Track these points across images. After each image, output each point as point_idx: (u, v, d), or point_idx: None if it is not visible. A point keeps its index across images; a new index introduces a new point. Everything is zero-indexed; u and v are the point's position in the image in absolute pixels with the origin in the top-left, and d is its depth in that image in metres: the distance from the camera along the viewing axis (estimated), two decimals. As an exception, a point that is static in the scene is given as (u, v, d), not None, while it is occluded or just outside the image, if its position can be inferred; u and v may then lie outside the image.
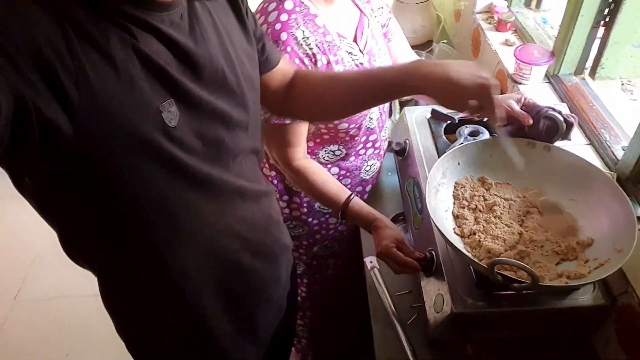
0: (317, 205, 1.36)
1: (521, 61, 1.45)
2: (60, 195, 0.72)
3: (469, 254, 0.95)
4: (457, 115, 1.33)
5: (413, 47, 1.54)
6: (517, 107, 1.10)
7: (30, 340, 2.28)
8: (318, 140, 1.26)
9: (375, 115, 1.28)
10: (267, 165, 1.34)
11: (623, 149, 1.19)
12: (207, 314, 0.93)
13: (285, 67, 1.02)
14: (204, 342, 0.96)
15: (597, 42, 1.42)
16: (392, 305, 1.11)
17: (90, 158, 0.65)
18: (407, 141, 1.39)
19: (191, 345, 0.96)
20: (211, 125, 0.77)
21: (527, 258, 0.97)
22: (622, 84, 1.45)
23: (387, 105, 1.40)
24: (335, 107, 1.03)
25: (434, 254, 1.07)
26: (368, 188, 1.43)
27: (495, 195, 1.09)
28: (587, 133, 1.30)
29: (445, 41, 2.11)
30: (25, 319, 2.38)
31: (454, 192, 1.11)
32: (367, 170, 1.37)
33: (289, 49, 1.05)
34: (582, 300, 0.96)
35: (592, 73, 1.45)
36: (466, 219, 1.05)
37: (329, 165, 1.31)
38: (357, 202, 1.18)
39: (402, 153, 1.40)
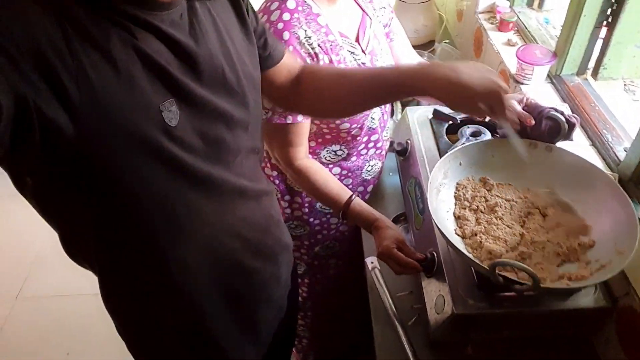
0: (318, 205, 1.36)
1: (523, 61, 1.45)
2: (60, 195, 0.72)
3: (470, 255, 0.94)
4: (459, 116, 1.33)
5: (415, 47, 1.54)
6: (519, 108, 1.09)
7: (31, 339, 2.28)
8: (320, 140, 1.26)
9: (377, 115, 1.28)
10: (268, 165, 1.34)
11: (625, 150, 1.19)
12: (207, 314, 0.93)
13: (290, 62, 1.01)
14: (204, 341, 0.96)
15: (599, 43, 1.42)
16: (392, 306, 1.11)
17: (91, 157, 0.65)
18: (408, 141, 1.39)
19: (191, 345, 0.96)
20: (212, 125, 0.77)
21: (528, 259, 0.97)
22: (625, 85, 1.45)
23: (388, 105, 1.40)
24: (341, 105, 1.03)
25: (435, 254, 1.07)
26: (369, 188, 1.43)
27: (497, 196, 1.09)
28: (589, 134, 1.30)
29: (447, 41, 2.11)
30: (26, 317, 2.38)
31: (455, 192, 1.11)
32: (368, 171, 1.37)
33: (291, 48, 1.05)
34: (583, 301, 0.96)
35: (595, 73, 1.45)
36: (467, 220, 1.05)
37: (331, 165, 1.31)
38: (358, 203, 1.18)
39: (403, 153, 1.40)
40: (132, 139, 0.66)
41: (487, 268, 0.87)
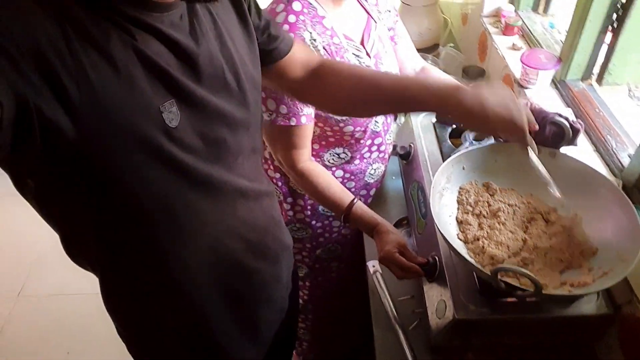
0: (321, 208, 1.36)
1: (528, 66, 1.44)
2: (60, 196, 0.72)
3: (472, 260, 0.94)
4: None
5: (419, 50, 1.54)
6: (522, 113, 1.09)
7: (31, 338, 2.29)
8: (323, 142, 1.25)
9: (380, 119, 1.27)
10: (271, 167, 1.34)
11: (629, 156, 1.18)
12: (208, 314, 0.93)
13: (303, 54, 1.00)
14: (204, 342, 0.96)
15: (604, 48, 1.42)
16: (393, 310, 1.11)
17: (91, 158, 0.65)
18: (412, 145, 1.39)
19: (191, 346, 0.96)
20: (213, 125, 0.77)
21: (530, 265, 0.96)
22: (629, 91, 1.44)
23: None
24: (357, 106, 1.04)
25: (436, 259, 1.06)
26: (372, 191, 1.43)
27: (500, 201, 1.09)
28: (593, 139, 1.29)
29: (451, 45, 2.11)
30: (27, 316, 2.39)
31: (458, 197, 1.11)
32: (371, 174, 1.37)
33: None
34: (585, 308, 0.96)
35: (599, 79, 1.45)
36: (470, 225, 1.05)
37: (334, 168, 1.30)
38: (360, 207, 1.17)
39: (406, 157, 1.40)
40: (133, 139, 0.66)
41: (489, 273, 0.86)
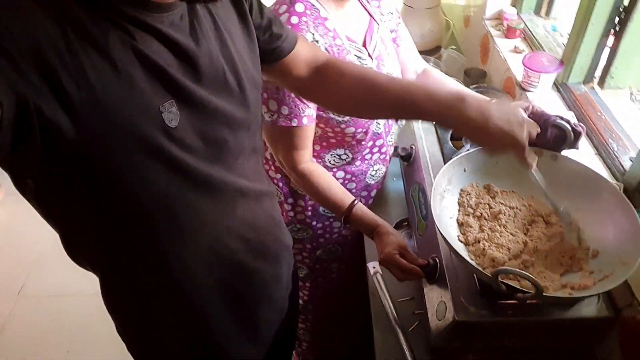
0: (321, 208, 1.36)
1: (530, 69, 1.44)
2: (60, 196, 0.72)
3: (472, 262, 0.94)
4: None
5: (421, 52, 1.54)
6: (524, 115, 1.09)
7: (32, 338, 2.29)
8: (324, 143, 1.25)
9: (382, 120, 1.27)
10: (272, 167, 1.34)
11: (631, 160, 1.18)
12: (208, 314, 0.93)
13: (308, 51, 0.99)
14: (204, 342, 0.96)
15: (606, 51, 1.42)
16: (394, 311, 1.10)
17: (91, 158, 0.65)
18: (413, 147, 1.39)
19: (191, 345, 0.96)
20: (214, 126, 0.77)
21: (531, 268, 0.96)
22: (631, 94, 1.44)
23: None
24: (359, 108, 1.04)
25: (437, 261, 1.06)
26: (373, 193, 1.43)
27: (501, 203, 1.09)
28: (594, 143, 1.29)
29: (453, 47, 2.11)
30: (27, 316, 2.39)
31: (459, 199, 1.11)
32: (372, 175, 1.37)
33: None
34: (586, 311, 0.95)
35: (601, 82, 1.45)
36: (471, 227, 1.05)
37: (335, 169, 1.30)
38: (361, 208, 1.17)
39: (408, 158, 1.40)
40: (132, 139, 0.66)
41: (490, 275, 0.86)
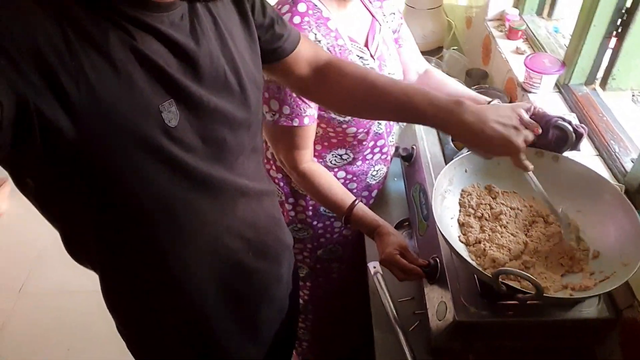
0: (322, 208, 1.36)
1: (531, 70, 1.44)
2: (61, 196, 0.72)
3: (473, 263, 0.94)
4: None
5: (423, 52, 1.54)
6: (526, 116, 1.08)
7: (33, 335, 2.29)
8: (326, 143, 1.26)
9: (383, 121, 1.27)
10: (273, 167, 1.34)
11: (632, 161, 1.18)
12: (208, 313, 0.93)
13: (309, 51, 0.99)
14: (204, 341, 0.96)
15: (608, 53, 1.42)
16: (394, 311, 1.10)
17: (91, 158, 0.65)
18: (414, 147, 1.39)
19: (191, 345, 0.96)
20: (214, 125, 0.77)
21: (532, 268, 0.96)
22: (633, 96, 1.44)
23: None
24: (359, 109, 1.04)
25: (438, 261, 1.06)
26: (374, 193, 1.43)
27: (502, 203, 1.09)
28: (596, 144, 1.29)
29: (455, 47, 2.11)
30: (28, 313, 2.40)
31: (460, 199, 1.11)
32: (373, 175, 1.37)
33: None
34: (586, 312, 0.95)
35: (603, 84, 1.44)
36: (472, 227, 1.05)
37: (336, 169, 1.30)
38: (362, 208, 1.17)
39: (409, 159, 1.40)
40: (132, 139, 0.67)
41: (490, 276, 0.86)
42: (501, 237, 1.02)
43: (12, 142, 0.58)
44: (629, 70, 1.39)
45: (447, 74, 1.47)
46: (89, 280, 0.89)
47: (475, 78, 1.77)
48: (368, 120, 1.20)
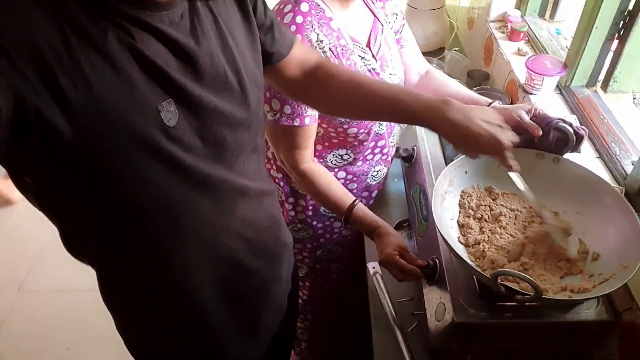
0: (322, 208, 1.36)
1: (533, 71, 1.44)
2: (60, 195, 0.72)
3: (472, 264, 0.94)
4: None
5: (425, 53, 1.54)
6: (527, 118, 1.09)
7: (32, 332, 2.29)
8: (326, 144, 1.26)
9: (378, 122, 1.27)
10: (274, 167, 1.34)
11: (632, 164, 1.18)
12: (207, 313, 0.93)
13: (302, 54, 0.99)
14: (203, 340, 0.96)
15: (610, 55, 1.41)
16: (393, 312, 1.10)
17: (90, 158, 0.65)
18: (414, 148, 1.39)
19: (190, 344, 0.96)
20: (213, 125, 0.76)
21: (530, 270, 0.96)
22: (634, 98, 1.44)
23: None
24: (351, 111, 1.05)
25: (437, 262, 1.06)
26: (374, 193, 1.43)
27: (502, 205, 1.09)
28: (597, 146, 1.29)
29: (457, 49, 2.11)
30: (28, 311, 2.40)
31: (460, 200, 1.11)
32: (374, 176, 1.37)
33: None
34: (585, 314, 0.95)
35: (604, 86, 1.44)
36: (471, 228, 1.05)
37: (336, 170, 1.31)
38: (361, 208, 1.17)
39: (409, 159, 1.40)
40: (131, 139, 0.66)
41: (489, 277, 0.86)
42: (500, 238, 1.02)
43: (11, 141, 0.58)
44: (630, 73, 1.39)
45: (448, 75, 1.47)
46: (89, 279, 0.88)
47: (477, 79, 1.77)
48: (369, 121, 1.20)
